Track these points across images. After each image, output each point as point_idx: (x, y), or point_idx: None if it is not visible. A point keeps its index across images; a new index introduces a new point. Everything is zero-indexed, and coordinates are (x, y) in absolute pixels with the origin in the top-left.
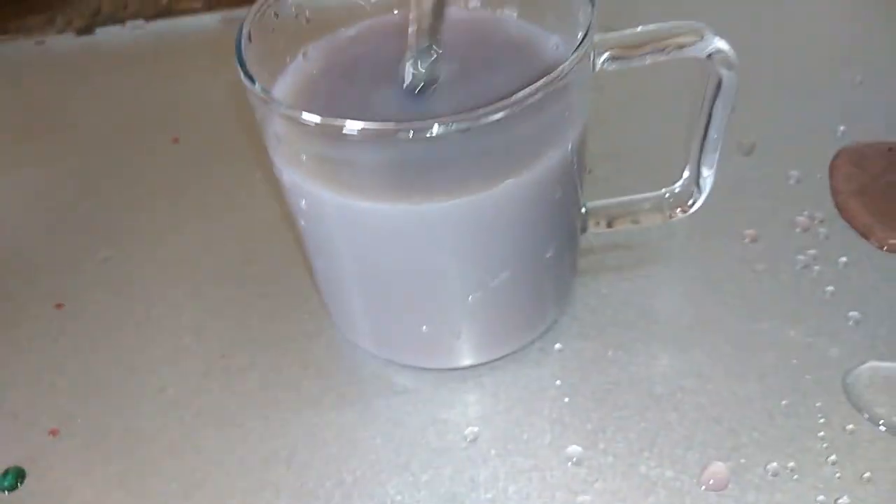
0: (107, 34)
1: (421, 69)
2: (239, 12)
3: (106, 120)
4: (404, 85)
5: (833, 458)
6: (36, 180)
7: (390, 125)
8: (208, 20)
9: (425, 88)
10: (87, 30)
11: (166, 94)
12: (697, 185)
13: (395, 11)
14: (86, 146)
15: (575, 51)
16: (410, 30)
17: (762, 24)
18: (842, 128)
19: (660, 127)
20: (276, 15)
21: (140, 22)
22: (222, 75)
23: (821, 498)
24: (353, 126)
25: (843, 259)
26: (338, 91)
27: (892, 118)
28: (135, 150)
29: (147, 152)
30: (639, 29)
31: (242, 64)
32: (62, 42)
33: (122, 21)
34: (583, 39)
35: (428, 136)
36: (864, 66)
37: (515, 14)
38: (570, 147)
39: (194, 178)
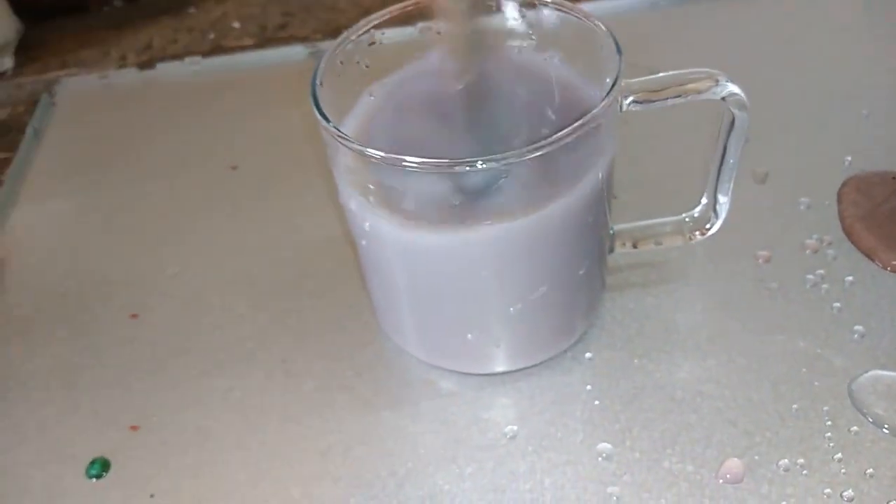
0: (166, 69)
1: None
2: (286, 49)
3: (169, 149)
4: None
5: (839, 455)
6: (107, 203)
7: (444, 161)
8: (260, 57)
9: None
10: (147, 64)
11: (223, 126)
12: (714, 210)
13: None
14: (152, 174)
15: (605, 97)
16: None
17: (776, 62)
18: (849, 158)
19: (680, 158)
20: (341, 62)
21: (197, 58)
22: (275, 108)
23: (827, 491)
24: (412, 161)
25: (850, 278)
26: (401, 126)
27: (895, 149)
28: (197, 176)
29: (208, 179)
30: (660, 75)
31: (317, 105)
32: (125, 76)
33: (176, 55)
34: (612, 87)
35: (477, 170)
36: (870, 100)
37: (558, 58)
38: (600, 177)
39: (252, 202)
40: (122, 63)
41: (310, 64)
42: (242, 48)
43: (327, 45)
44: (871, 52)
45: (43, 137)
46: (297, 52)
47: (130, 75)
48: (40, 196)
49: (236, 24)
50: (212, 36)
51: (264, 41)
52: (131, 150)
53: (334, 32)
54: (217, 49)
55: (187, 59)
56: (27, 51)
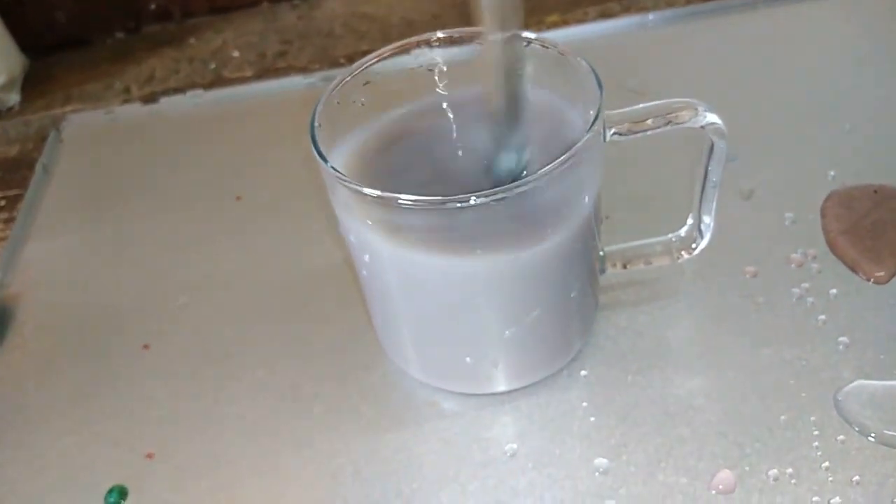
0: (169, 103)
1: (515, 164)
2: (285, 81)
3: (174, 181)
4: (495, 175)
5: (826, 464)
6: (117, 236)
7: (437, 199)
8: (260, 88)
9: (515, 178)
10: (150, 98)
11: (227, 157)
12: (699, 230)
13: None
14: (159, 206)
15: (588, 130)
16: (495, 122)
17: (760, 80)
18: (832, 172)
19: (668, 177)
20: (338, 102)
21: (199, 91)
22: (276, 138)
23: (815, 499)
24: (406, 199)
25: (834, 291)
26: (394, 162)
27: (878, 162)
28: (203, 207)
29: (214, 209)
30: (640, 106)
31: (316, 146)
32: (129, 111)
33: (178, 86)
34: (594, 120)
35: (469, 205)
36: (852, 116)
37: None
38: (588, 206)
39: (258, 232)
40: (127, 95)
41: (308, 94)
42: (243, 80)
43: (325, 74)
44: (853, 67)
45: (52, 173)
46: (295, 82)
47: (135, 110)
48: (51, 231)
49: (236, 53)
50: (213, 66)
51: (263, 71)
52: (138, 184)
53: (332, 61)
54: (218, 80)
55: (189, 93)
56: (33, 85)
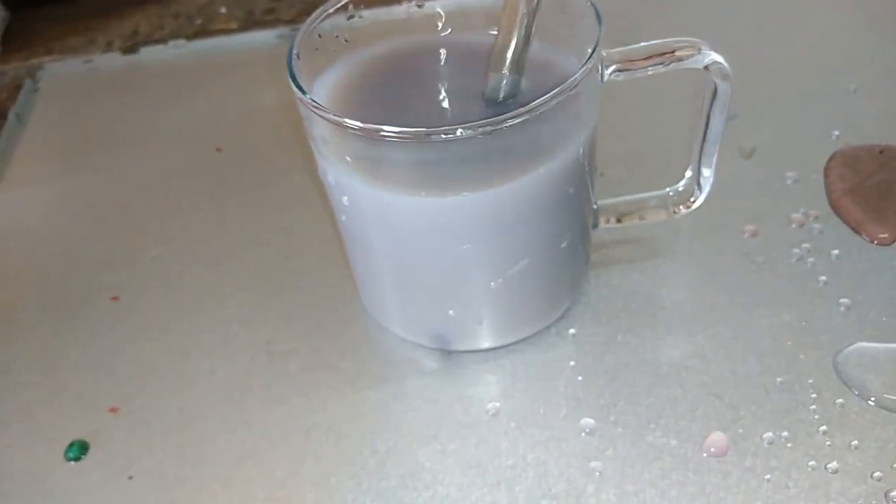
0: (150, 53)
1: (508, 85)
2: (270, 33)
3: (153, 132)
4: (486, 96)
5: (824, 428)
6: (91, 187)
7: (422, 129)
8: (244, 39)
9: (507, 99)
10: (131, 49)
11: (208, 108)
12: (698, 184)
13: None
14: (135, 156)
15: (584, 64)
16: (497, 47)
17: (763, 37)
18: (836, 132)
19: (664, 132)
20: (319, 35)
21: (181, 41)
22: (259, 90)
23: (812, 463)
24: (390, 131)
25: (836, 252)
26: (378, 99)
27: (883, 123)
28: (181, 159)
29: (193, 161)
30: (642, 44)
31: (294, 77)
32: (109, 61)
33: (162, 41)
34: (591, 54)
35: (455, 138)
36: (857, 75)
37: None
38: (581, 147)
39: (237, 183)
40: (108, 50)
41: None
42: (226, 31)
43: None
44: (858, 25)
45: (26, 123)
46: (279, 34)
47: (114, 60)
48: (22, 181)
49: (223, 10)
50: (199, 21)
51: (250, 25)
52: (115, 134)
53: None
54: (202, 33)
55: (171, 43)
56: (12, 39)
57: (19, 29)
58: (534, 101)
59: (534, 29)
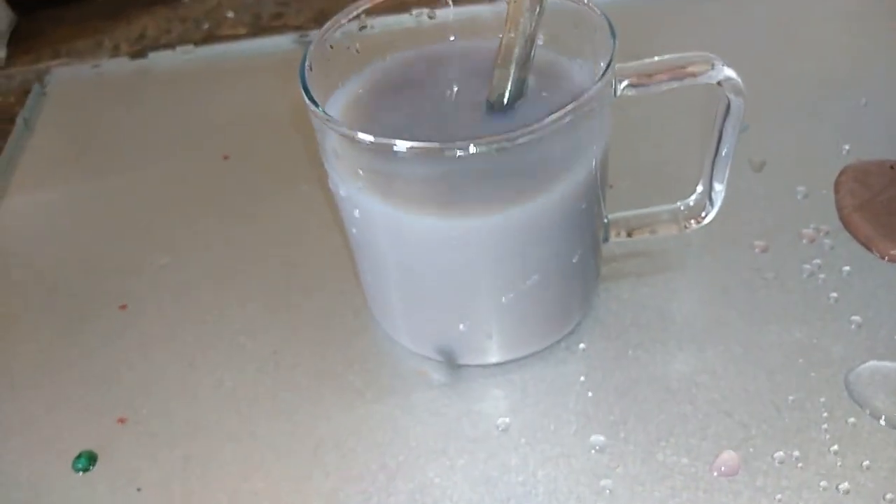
0: (158, 58)
1: (513, 84)
2: (279, 38)
3: (160, 138)
4: (491, 99)
5: (835, 447)
6: (98, 193)
7: (435, 144)
8: (252, 45)
9: (513, 101)
10: (139, 54)
11: (215, 115)
12: (710, 198)
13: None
14: (142, 163)
15: (599, 79)
16: (504, 44)
17: (774, 50)
18: (846, 147)
19: (676, 146)
20: (331, 46)
21: (189, 47)
22: (267, 97)
23: (823, 483)
24: (402, 145)
25: (847, 268)
26: (391, 113)
27: (894, 138)
28: (188, 166)
29: (199, 168)
30: (655, 59)
31: (307, 90)
32: (117, 66)
33: (169, 46)
34: (606, 69)
35: (468, 154)
36: (868, 89)
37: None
38: (594, 163)
39: (244, 191)
40: (116, 53)
41: (302, 52)
42: (235, 37)
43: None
44: (869, 40)
45: (34, 128)
46: (289, 40)
47: (122, 65)
48: (30, 187)
49: (230, 14)
50: (206, 26)
51: (258, 30)
52: (122, 140)
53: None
54: (210, 38)
55: (179, 49)
56: (20, 42)
57: (26, 31)
58: (542, 107)
59: (538, 25)
